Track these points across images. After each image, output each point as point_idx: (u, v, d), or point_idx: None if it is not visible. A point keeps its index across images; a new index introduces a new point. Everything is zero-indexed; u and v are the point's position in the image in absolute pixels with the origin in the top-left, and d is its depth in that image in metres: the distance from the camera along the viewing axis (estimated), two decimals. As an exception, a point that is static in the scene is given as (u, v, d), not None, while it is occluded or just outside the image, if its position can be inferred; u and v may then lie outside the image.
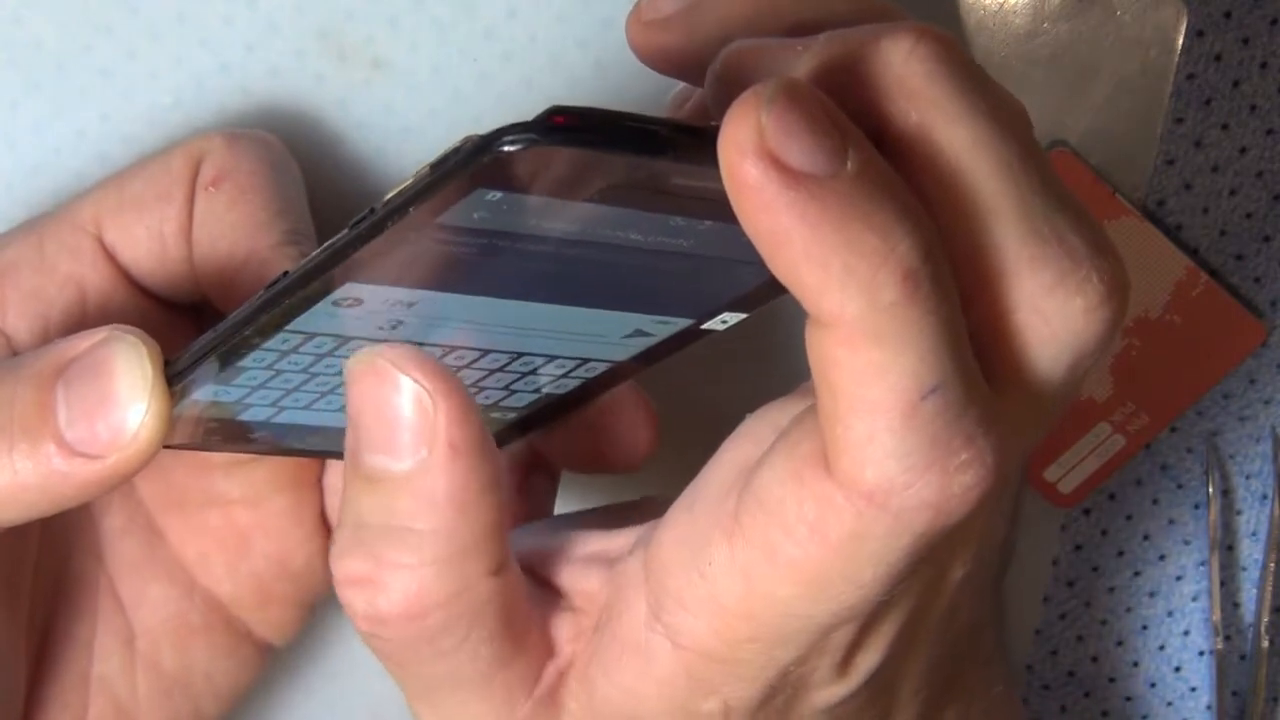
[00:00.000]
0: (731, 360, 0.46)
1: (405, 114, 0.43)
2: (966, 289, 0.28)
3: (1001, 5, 0.48)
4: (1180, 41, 0.49)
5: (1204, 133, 0.51)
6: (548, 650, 0.33)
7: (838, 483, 0.28)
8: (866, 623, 0.31)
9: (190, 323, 0.39)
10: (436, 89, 0.43)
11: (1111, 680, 0.56)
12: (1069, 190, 0.29)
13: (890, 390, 0.27)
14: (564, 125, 0.26)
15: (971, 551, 0.32)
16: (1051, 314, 0.29)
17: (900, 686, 0.34)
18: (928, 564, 0.31)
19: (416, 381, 0.30)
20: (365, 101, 0.42)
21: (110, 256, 0.38)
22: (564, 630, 0.33)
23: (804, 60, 0.29)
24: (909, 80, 0.28)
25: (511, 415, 0.36)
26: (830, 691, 0.32)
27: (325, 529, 0.40)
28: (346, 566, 0.32)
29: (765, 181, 0.26)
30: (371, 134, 0.43)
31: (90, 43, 0.41)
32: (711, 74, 0.31)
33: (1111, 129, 0.49)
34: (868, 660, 0.32)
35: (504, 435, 0.36)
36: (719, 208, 0.27)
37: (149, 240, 0.38)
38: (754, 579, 0.29)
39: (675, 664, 0.31)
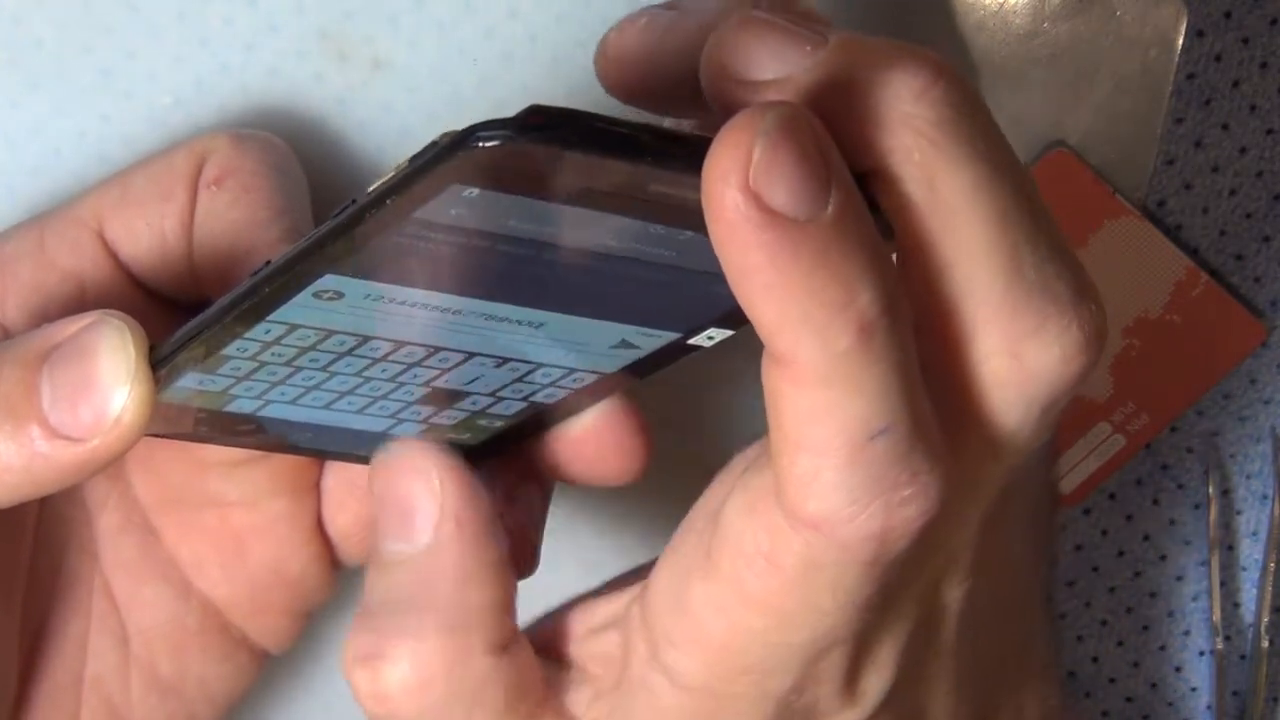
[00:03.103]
0: (727, 374, 0.46)
1: (405, 114, 0.43)
2: (947, 330, 0.29)
3: (1001, 5, 0.48)
4: (1180, 41, 0.49)
5: (1204, 133, 0.51)
6: None
7: (785, 513, 0.28)
8: (861, 645, 0.31)
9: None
10: (436, 89, 0.43)
11: (1111, 680, 0.56)
12: (1061, 235, 0.29)
13: (837, 432, 0.27)
14: (541, 124, 0.25)
15: (963, 569, 0.32)
16: (1029, 359, 0.29)
17: (929, 707, 0.34)
18: (910, 588, 0.31)
19: (425, 466, 0.33)
20: (365, 101, 0.42)
21: (111, 252, 0.38)
22: (582, 700, 0.33)
23: (811, 68, 0.29)
24: (918, 121, 0.28)
25: (499, 424, 0.36)
26: (844, 717, 0.32)
27: (322, 536, 0.40)
28: (354, 646, 0.33)
29: (743, 217, 0.25)
30: (371, 134, 0.43)
31: (90, 43, 0.41)
32: (710, 50, 0.30)
33: (1111, 129, 0.49)
34: (874, 684, 0.32)
35: (492, 445, 0.36)
36: (700, 219, 0.26)
37: (150, 237, 0.38)
38: (729, 613, 0.30)
39: (678, 703, 0.31)
